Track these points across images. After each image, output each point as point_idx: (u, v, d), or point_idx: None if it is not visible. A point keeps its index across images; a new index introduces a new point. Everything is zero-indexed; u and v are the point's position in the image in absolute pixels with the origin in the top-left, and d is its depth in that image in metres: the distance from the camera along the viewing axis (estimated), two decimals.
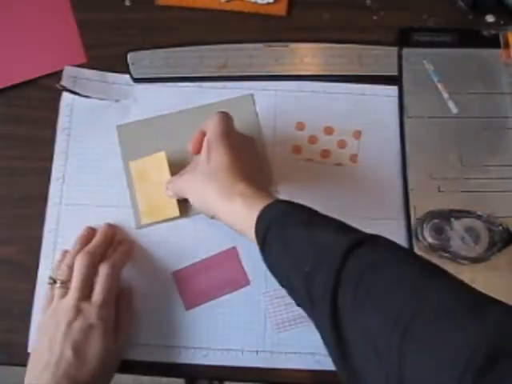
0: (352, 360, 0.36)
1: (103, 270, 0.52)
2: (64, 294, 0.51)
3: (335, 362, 0.38)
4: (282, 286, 0.45)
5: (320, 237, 0.42)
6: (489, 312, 0.33)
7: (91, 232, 0.57)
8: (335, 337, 0.37)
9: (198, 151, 0.54)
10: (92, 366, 0.47)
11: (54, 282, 0.52)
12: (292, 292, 0.44)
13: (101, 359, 0.48)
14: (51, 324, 0.49)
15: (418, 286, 0.36)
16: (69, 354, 0.47)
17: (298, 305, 0.44)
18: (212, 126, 0.52)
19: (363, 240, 0.40)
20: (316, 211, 0.46)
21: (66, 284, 0.51)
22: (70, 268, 0.52)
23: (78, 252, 0.53)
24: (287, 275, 0.44)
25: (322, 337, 0.40)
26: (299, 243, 0.42)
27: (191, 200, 0.53)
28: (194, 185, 0.52)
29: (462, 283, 0.37)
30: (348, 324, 0.37)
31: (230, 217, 0.48)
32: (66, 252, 0.56)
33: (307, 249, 0.42)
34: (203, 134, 0.54)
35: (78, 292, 0.50)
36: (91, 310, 0.49)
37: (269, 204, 0.46)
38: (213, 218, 0.52)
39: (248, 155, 0.54)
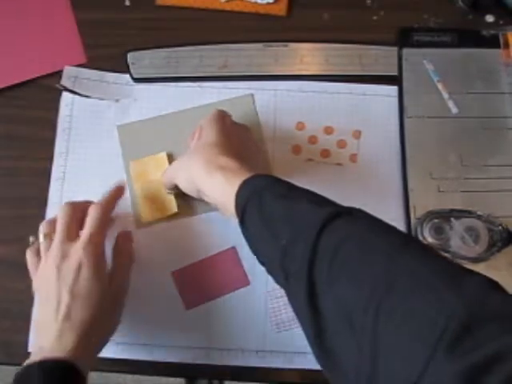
0: (327, 337, 0.36)
1: (92, 211, 0.51)
2: (49, 247, 0.50)
3: (310, 342, 0.37)
4: (262, 264, 0.45)
5: (297, 210, 0.41)
6: (465, 282, 0.32)
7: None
8: (311, 313, 0.36)
9: None
10: (89, 305, 0.47)
11: (37, 239, 0.52)
12: (271, 270, 0.44)
13: (97, 299, 0.47)
14: (44, 278, 0.49)
15: (394, 257, 0.35)
16: (65, 296, 0.47)
17: (277, 282, 0.43)
18: (207, 116, 0.54)
19: (340, 213, 0.39)
20: (296, 185, 0.45)
21: (49, 236, 0.51)
22: (53, 222, 0.51)
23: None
24: (265, 251, 0.43)
25: (298, 315, 0.39)
26: (276, 217, 0.42)
27: (179, 181, 0.53)
28: (180, 165, 0.53)
29: (439, 255, 0.36)
30: (324, 298, 0.36)
31: (211, 191, 0.48)
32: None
33: (284, 222, 0.41)
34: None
35: (62, 234, 0.49)
36: (77, 247, 0.48)
37: (248, 178, 0.45)
38: (200, 197, 0.51)
39: (241, 140, 0.54)
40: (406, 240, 0.38)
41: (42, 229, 0.51)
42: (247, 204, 0.43)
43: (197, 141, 0.53)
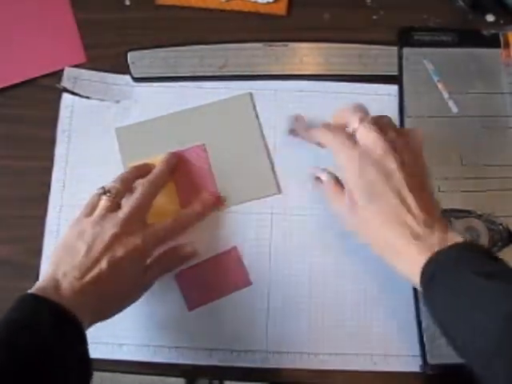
0: None
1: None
2: (109, 209, 0.51)
3: None
4: (452, 335, 0.41)
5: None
6: None
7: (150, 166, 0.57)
8: None
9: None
10: (119, 282, 0.48)
11: (105, 193, 0.52)
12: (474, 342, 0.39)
13: (127, 280, 0.49)
14: (93, 231, 0.49)
15: None
16: (104, 265, 0.47)
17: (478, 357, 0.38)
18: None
19: None
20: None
21: (114, 199, 0.51)
22: (125, 186, 0.53)
23: (135, 174, 0.55)
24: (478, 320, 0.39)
25: None
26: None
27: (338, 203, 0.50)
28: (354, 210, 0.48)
29: None
30: None
31: (392, 259, 0.46)
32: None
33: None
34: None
35: (134, 211, 0.51)
36: (141, 232, 0.50)
37: (441, 251, 0.42)
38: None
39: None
40: None
41: (113, 187, 0.52)
42: (441, 272, 0.41)
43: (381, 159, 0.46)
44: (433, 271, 0.41)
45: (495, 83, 0.61)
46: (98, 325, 0.49)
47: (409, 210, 0.45)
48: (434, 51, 0.63)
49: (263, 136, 0.60)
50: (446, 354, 0.51)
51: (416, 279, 0.43)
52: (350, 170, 0.47)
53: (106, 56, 0.64)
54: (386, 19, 0.65)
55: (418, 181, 0.46)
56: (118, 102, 0.62)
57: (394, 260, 0.46)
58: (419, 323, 0.53)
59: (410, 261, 0.44)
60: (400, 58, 0.63)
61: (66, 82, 0.62)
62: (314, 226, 0.58)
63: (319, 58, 0.63)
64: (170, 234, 0.53)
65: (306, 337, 0.54)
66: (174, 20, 0.65)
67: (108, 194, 0.52)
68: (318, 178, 0.54)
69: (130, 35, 0.64)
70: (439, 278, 0.41)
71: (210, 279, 0.56)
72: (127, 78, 0.63)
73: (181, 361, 0.54)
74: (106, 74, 0.63)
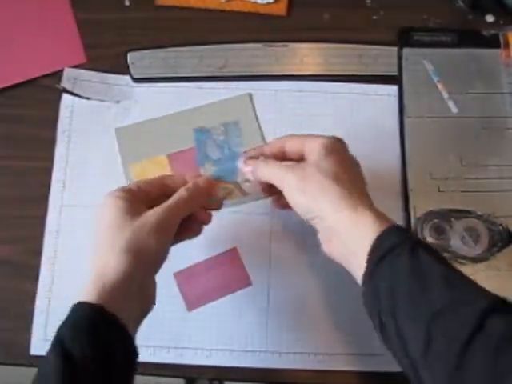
0: None
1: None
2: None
3: None
4: (375, 313, 0.40)
5: (458, 279, 0.39)
6: None
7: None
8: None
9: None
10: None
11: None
12: (400, 325, 0.38)
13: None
14: None
15: None
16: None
17: (386, 342, 0.39)
18: (326, 138, 0.48)
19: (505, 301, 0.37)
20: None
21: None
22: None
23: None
24: (396, 302, 0.39)
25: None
26: (433, 275, 0.38)
27: (291, 194, 0.45)
28: (305, 179, 0.45)
29: None
30: (477, 373, 0.34)
31: (348, 225, 0.42)
32: None
33: (443, 285, 0.38)
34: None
35: None
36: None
37: (399, 226, 0.42)
38: (309, 221, 0.46)
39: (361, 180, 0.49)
40: None
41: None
42: (393, 250, 0.40)
43: (325, 160, 0.45)
44: (390, 248, 0.40)
45: (495, 83, 0.61)
46: None
47: None
48: (434, 51, 0.63)
49: (263, 136, 0.61)
50: None
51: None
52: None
53: (106, 56, 0.64)
54: (386, 19, 0.65)
55: None
56: (118, 102, 0.62)
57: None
58: None
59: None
60: (400, 58, 0.63)
61: (65, 83, 0.62)
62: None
63: (319, 58, 0.63)
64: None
65: (306, 337, 0.54)
66: (173, 20, 0.65)
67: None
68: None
69: (130, 35, 0.65)
70: (396, 255, 0.40)
71: (210, 280, 0.56)
72: (127, 78, 0.63)
73: (181, 361, 0.54)
74: (105, 75, 0.63)
